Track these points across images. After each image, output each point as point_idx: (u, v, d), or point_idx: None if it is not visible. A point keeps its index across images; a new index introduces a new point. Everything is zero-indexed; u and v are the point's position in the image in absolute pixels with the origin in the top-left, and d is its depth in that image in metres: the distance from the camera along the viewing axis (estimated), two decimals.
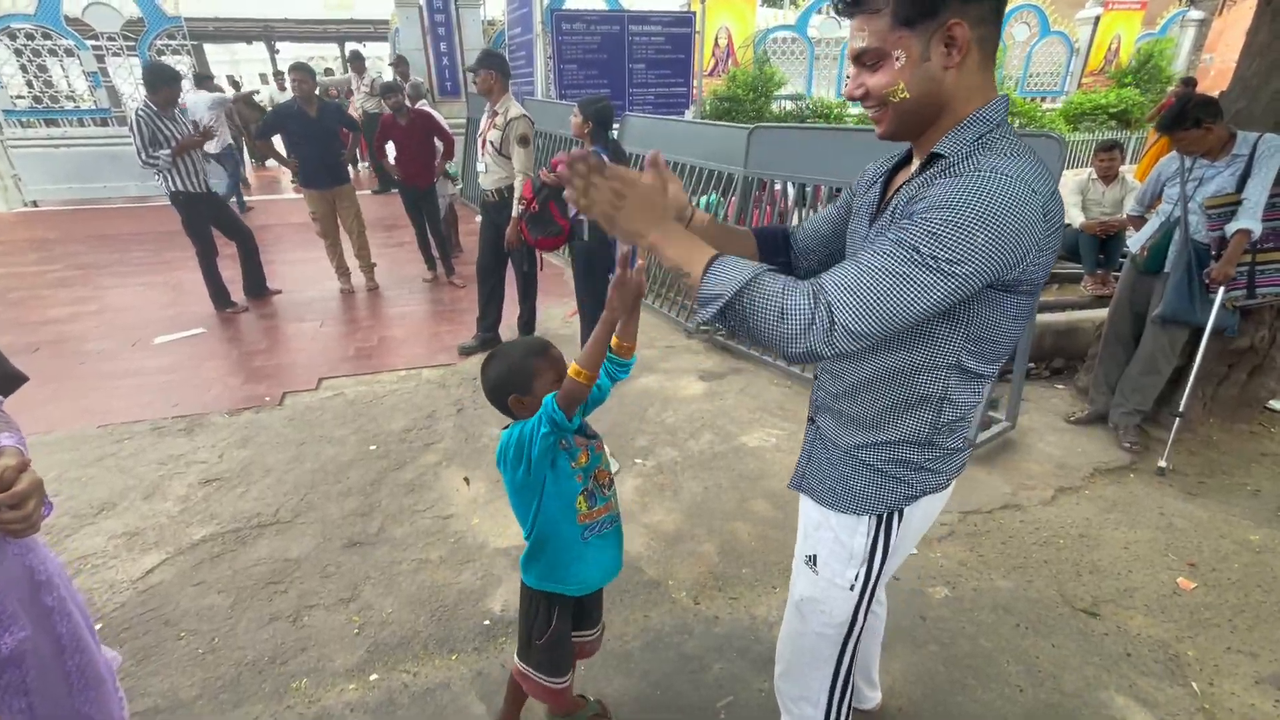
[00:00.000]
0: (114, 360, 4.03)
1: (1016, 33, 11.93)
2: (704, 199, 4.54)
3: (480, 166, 3.76)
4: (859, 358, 1.04)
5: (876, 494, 1.10)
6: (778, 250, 1.27)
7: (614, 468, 2.89)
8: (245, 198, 8.50)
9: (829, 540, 1.17)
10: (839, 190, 3.68)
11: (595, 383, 1.22)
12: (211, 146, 8.07)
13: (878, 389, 1.05)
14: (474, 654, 1.96)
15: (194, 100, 8.27)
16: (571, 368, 1.18)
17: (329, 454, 3.04)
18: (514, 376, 1.28)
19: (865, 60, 0.92)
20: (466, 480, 2.84)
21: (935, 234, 0.83)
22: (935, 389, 1.01)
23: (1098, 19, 12.07)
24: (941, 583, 2.21)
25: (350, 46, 13.56)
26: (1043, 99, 12.36)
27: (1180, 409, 2.89)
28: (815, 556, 1.20)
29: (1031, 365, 3.72)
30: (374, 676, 1.88)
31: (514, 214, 3.46)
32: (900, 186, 0.99)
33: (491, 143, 3.68)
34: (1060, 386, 3.72)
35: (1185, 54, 12.83)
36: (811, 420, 1.22)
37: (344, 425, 3.30)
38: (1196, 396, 3.06)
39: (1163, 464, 2.87)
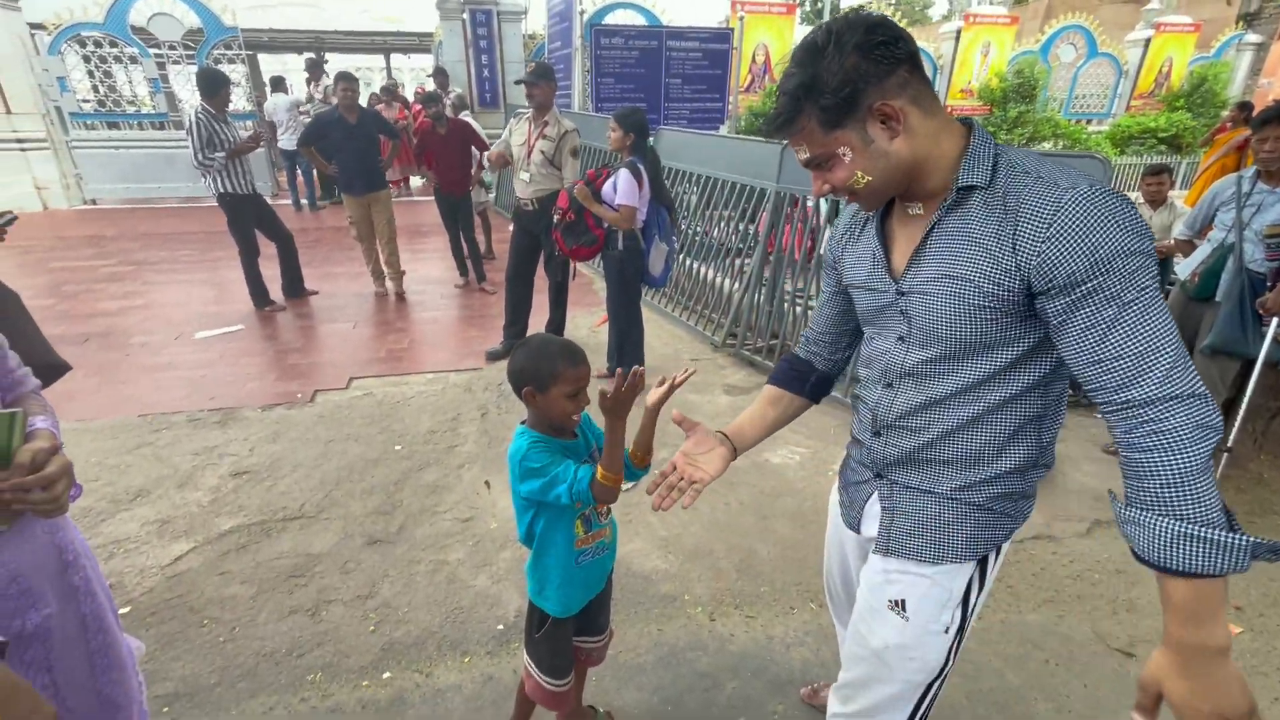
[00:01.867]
0: (157, 353, 4.18)
1: (1063, 54, 11.72)
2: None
3: (524, 176, 3.82)
4: (960, 401, 0.99)
5: (983, 534, 1.04)
6: (802, 375, 1.27)
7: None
8: (312, 200, 8.75)
9: (923, 585, 1.07)
10: None
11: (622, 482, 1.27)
12: (285, 143, 8.42)
13: (985, 424, 0.99)
14: (487, 658, 1.96)
15: (272, 103, 8.64)
16: (599, 471, 1.22)
17: (355, 452, 3.09)
18: (537, 372, 1.28)
19: (817, 164, 0.95)
20: (488, 484, 2.86)
21: (1128, 272, 0.80)
22: (1037, 406, 0.98)
23: (1148, 41, 11.79)
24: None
25: (387, 58, 13.95)
26: (1088, 121, 12.08)
27: (1228, 444, 2.76)
28: (903, 602, 1.08)
29: (1070, 392, 3.59)
30: (387, 674, 1.89)
31: (554, 224, 3.50)
32: (932, 229, 0.96)
33: (543, 152, 3.75)
34: (1100, 416, 3.59)
35: (1242, 78, 12.44)
36: (880, 476, 1.13)
37: (371, 425, 3.35)
38: (1246, 431, 2.92)
39: None
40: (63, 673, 1.02)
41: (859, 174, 0.92)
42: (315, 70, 9.27)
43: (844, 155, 0.91)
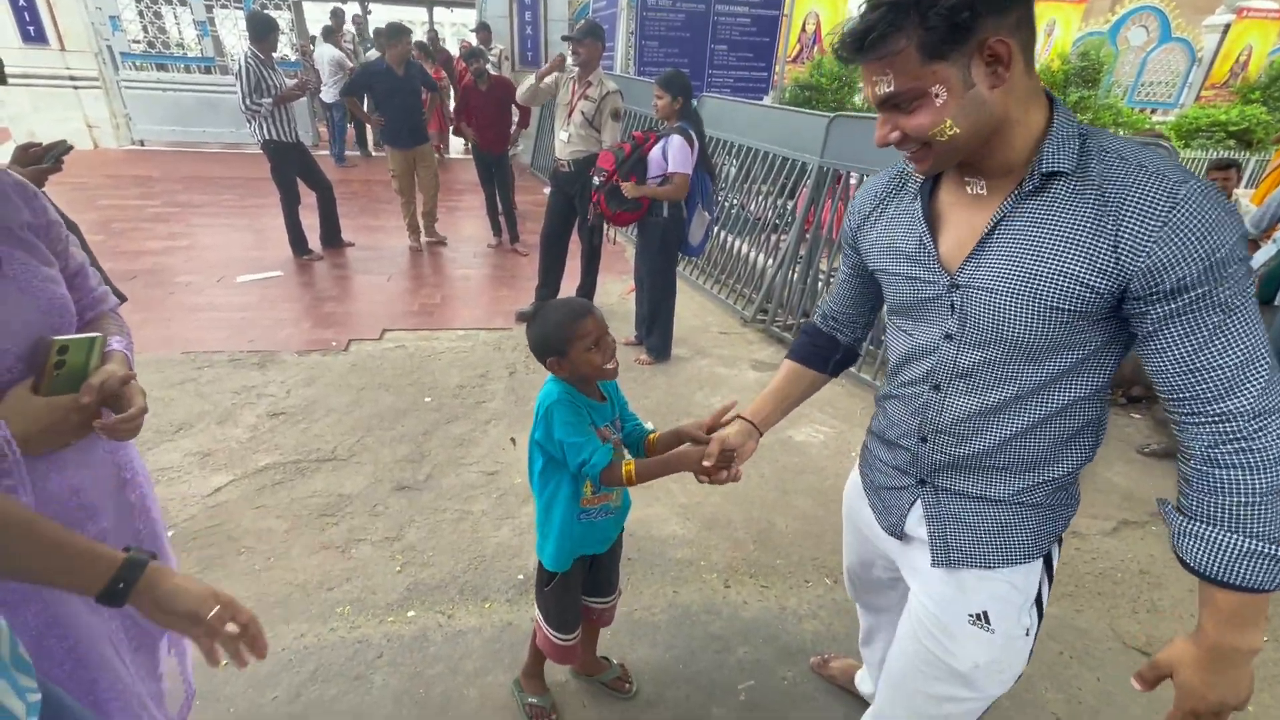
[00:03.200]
0: (200, 294, 4.30)
1: (1133, 37, 11.11)
2: None
3: (563, 135, 3.78)
4: (1020, 406, 0.92)
5: (1045, 529, 1.00)
6: (823, 351, 1.25)
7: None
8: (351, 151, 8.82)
9: (1000, 593, 1.01)
10: None
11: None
12: (327, 95, 8.45)
13: (1045, 428, 0.92)
14: (505, 605, 2.02)
15: (320, 53, 8.64)
16: (627, 466, 1.26)
17: (386, 401, 3.17)
18: (552, 340, 1.27)
19: (897, 103, 0.80)
20: (513, 441, 2.91)
21: (1238, 277, 0.74)
22: (1097, 407, 0.93)
23: (1227, 27, 11.10)
24: None
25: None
26: (1153, 110, 11.50)
27: None
28: (985, 614, 1.01)
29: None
30: (411, 613, 1.97)
31: (595, 186, 3.46)
32: (1003, 217, 0.86)
33: (583, 113, 3.70)
34: (1137, 416, 3.50)
35: None
36: (924, 483, 1.05)
37: (402, 376, 3.43)
38: None
39: None
40: None
41: (946, 123, 0.78)
42: (338, 21, 9.17)
43: (936, 96, 0.77)
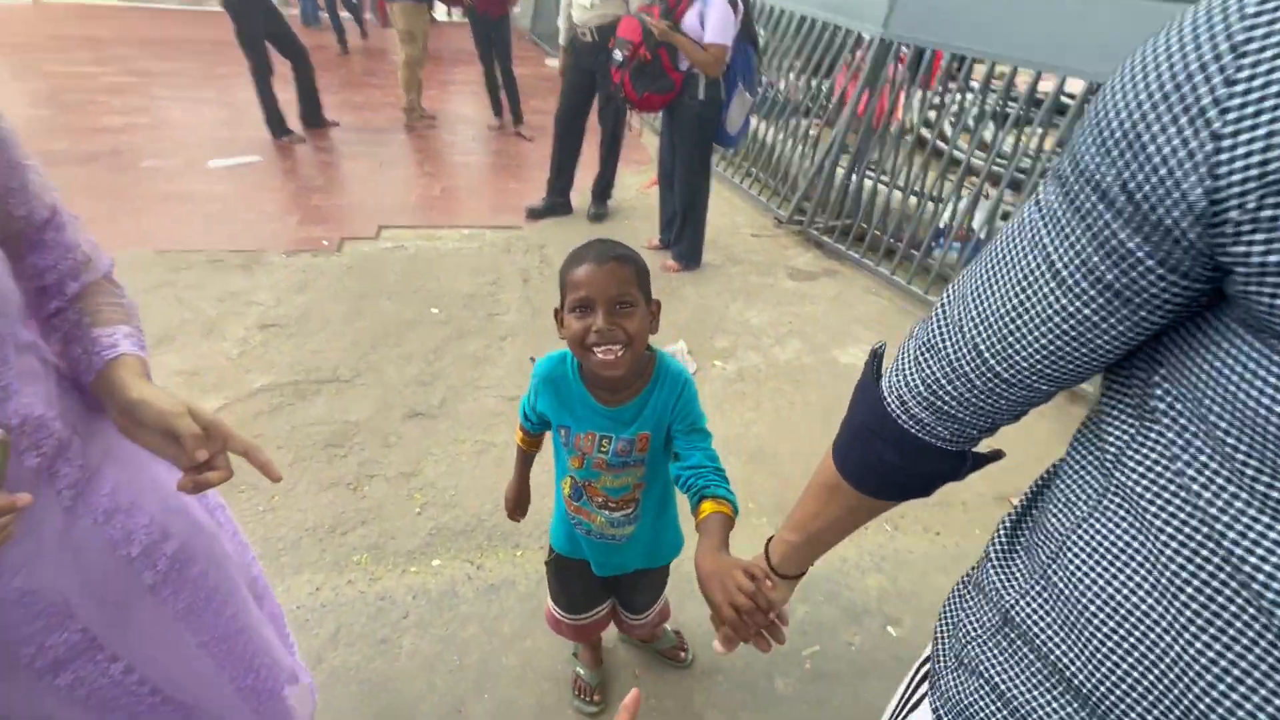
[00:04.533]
0: (170, 181, 3.82)
1: None
2: None
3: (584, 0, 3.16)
4: None
5: None
6: (923, 477, 0.60)
7: (691, 367, 2.64)
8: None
9: None
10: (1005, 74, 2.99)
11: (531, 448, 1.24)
12: None
13: None
14: (539, 553, 1.84)
15: None
16: (518, 437, 1.20)
17: (390, 311, 2.85)
18: (559, 284, 0.94)
19: None
20: (532, 360, 2.63)
21: None
22: None
23: None
24: None
25: None
26: None
27: None
28: None
29: None
30: (436, 562, 1.79)
31: (616, 63, 2.92)
32: None
33: None
34: None
35: None
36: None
37: (404, 282, 3.08)
38: None
39: None
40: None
41: None
42: None
43: None
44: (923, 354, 0.53)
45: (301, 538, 1.82)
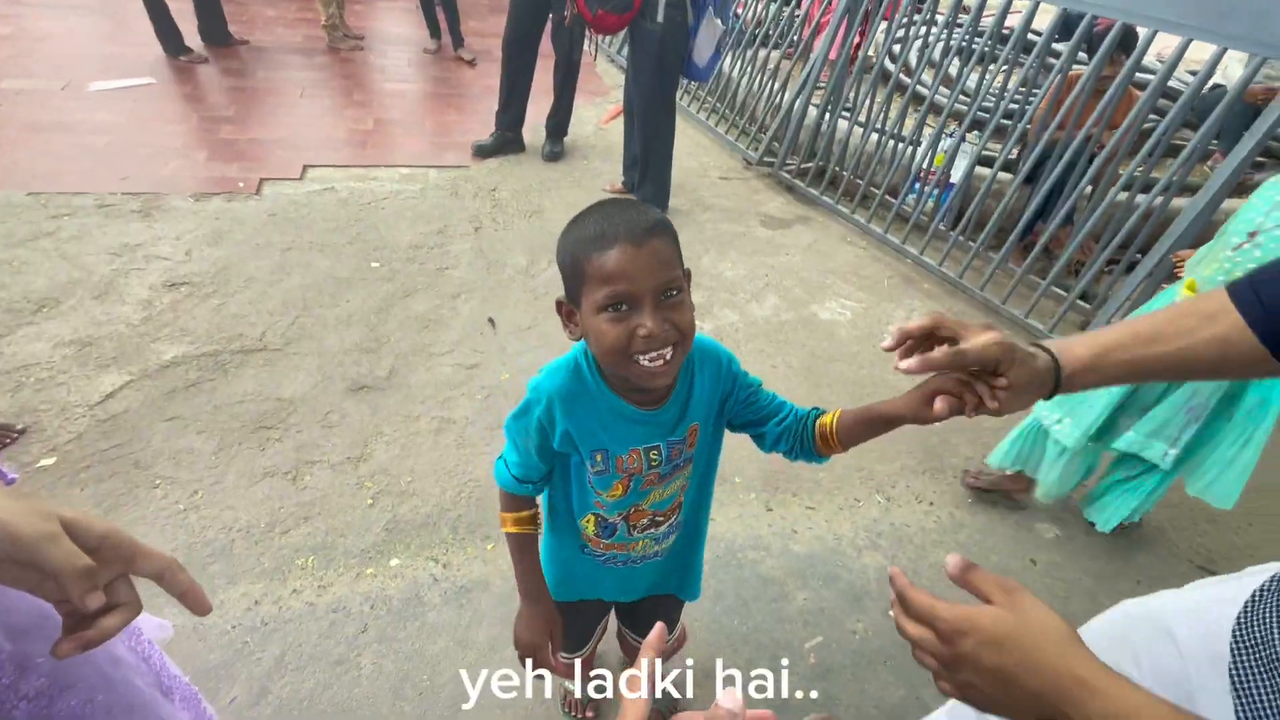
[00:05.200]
0: (41, 107, 3.22)
1: None
2: None
3: None
4: None
5: None
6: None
7: None
8: None
9: None
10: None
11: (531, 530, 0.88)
12: None
13: None
14: None
15: None
16: (518, 517, 0.86)
17: (322, 267, 2.50)
18: (565, 269, 0.71)
19: None
20: (491, 321, 2.37)
21: None
22: None
23: None
24: (1050, 519, 1.93)
25: None
26: None
27: None
28: None
29: None
30: (395, 562, 1.58)
31: None
32: None
33: None
34: None
35: None
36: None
37: (338, 231, 2.71)
38: None
39: None
40: None
41: None
42: None
43: None
44: None
45: (233, 541, 1.58)
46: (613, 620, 1.23)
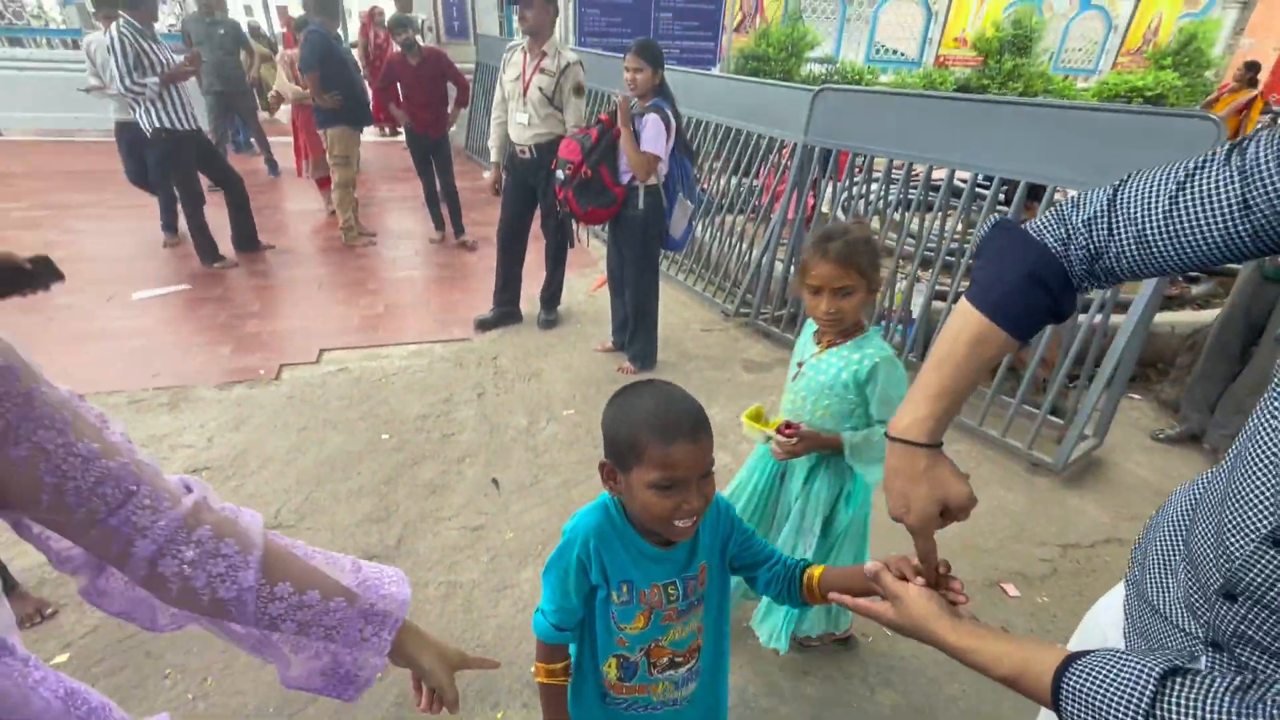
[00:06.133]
0: (87, 318, 3.59)
1: (1056, 4, 11.34)
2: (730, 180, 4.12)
3: (520, 117, 3.28)
4: None
5: None
6: (1049, 299, 0.74)
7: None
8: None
9: None
10: (915, 171, 3.26)
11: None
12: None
13: None
14: (522, 711, 1.64)
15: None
16: (545, 668, 0.98)
17: (336, 442, 2.67)
18: (619, 439, 0.85)
19: None
20: (495, 482, 2.49)
21: None
22: None
23: None
24: (1050, 626, 1.91)
25: None
26: (1076, 78, 11.85)
27: None
28: None
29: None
30: None
31: (559, 181, 3.01)
32: None
33: (541, 89, 3.20)
34: (1136, 397, 3.42)
35: (1225, 37, 12.32)
36: (1216, 646, 0.64)
37: (351, 407, 2.92)
38: None
39: None
40: None
41: None
42: None
43: None
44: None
45: None
46: None
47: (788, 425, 1.45)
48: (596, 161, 2.90)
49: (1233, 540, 0.58)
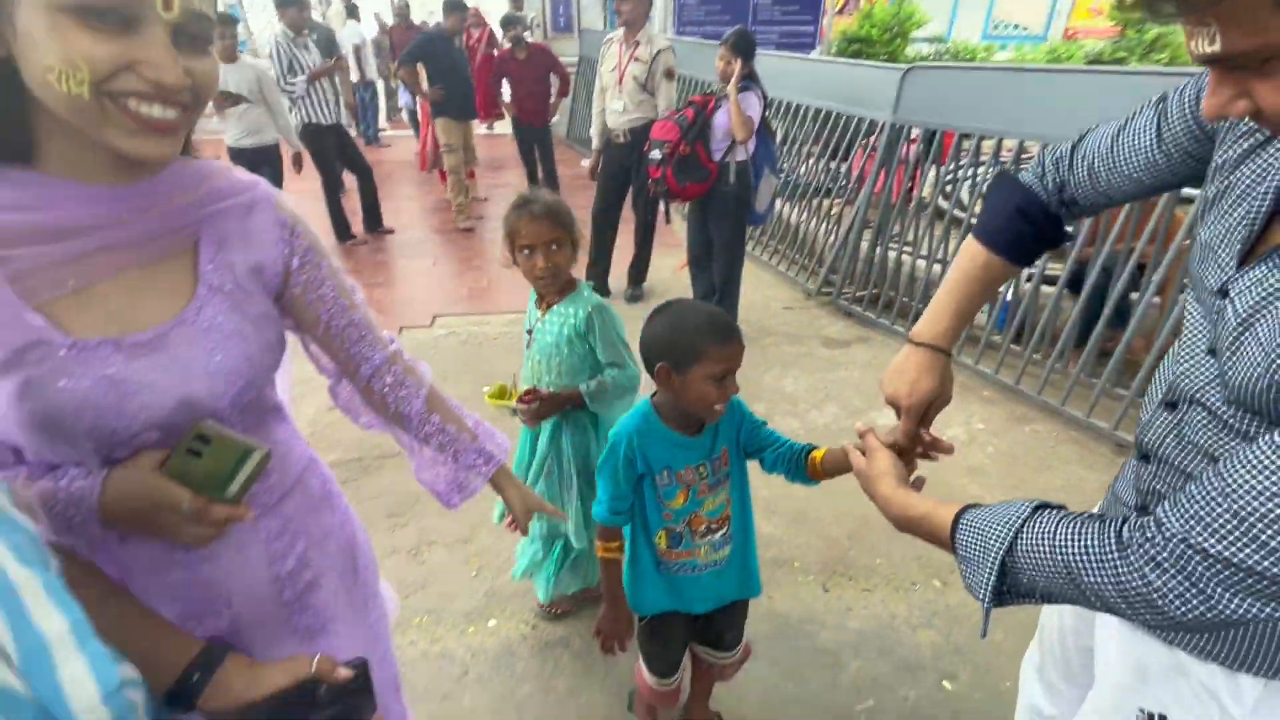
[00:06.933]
0: None
1: None
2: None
3: (616, 105, 3.54)
4: None
5: None
6: (1037, 229, 0.89)
7: None
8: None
9: (1187, 695, 0.76)
10: (1009, 148, 3.21)
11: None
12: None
13: None
14: (594, 607, 1.90)
15: (348, 31, 8.46)
16: (603, 545, 1.20)
17: (445, 391, 3.05)
18: (674, 347, 1.06)
19: (1240, 65, 0.52)
20: None
21: None
22: None
23: None
24: None
25: None
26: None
27: None
28: (1161, 716, 0.78)
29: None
30: (492, 623, 1.86)
31: (655, 161, 3.22)
32: None
33: (635, 77, 3.46)
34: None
35: None
36: (1143, 510, 0.81)
37: (458, 364, 3.31)
38: None
39: None
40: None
41: None
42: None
43: None
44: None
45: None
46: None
47: (528, 392, 1.56)
48: (694, 139, 3.09)
49: (1183, 357, 0.71)
